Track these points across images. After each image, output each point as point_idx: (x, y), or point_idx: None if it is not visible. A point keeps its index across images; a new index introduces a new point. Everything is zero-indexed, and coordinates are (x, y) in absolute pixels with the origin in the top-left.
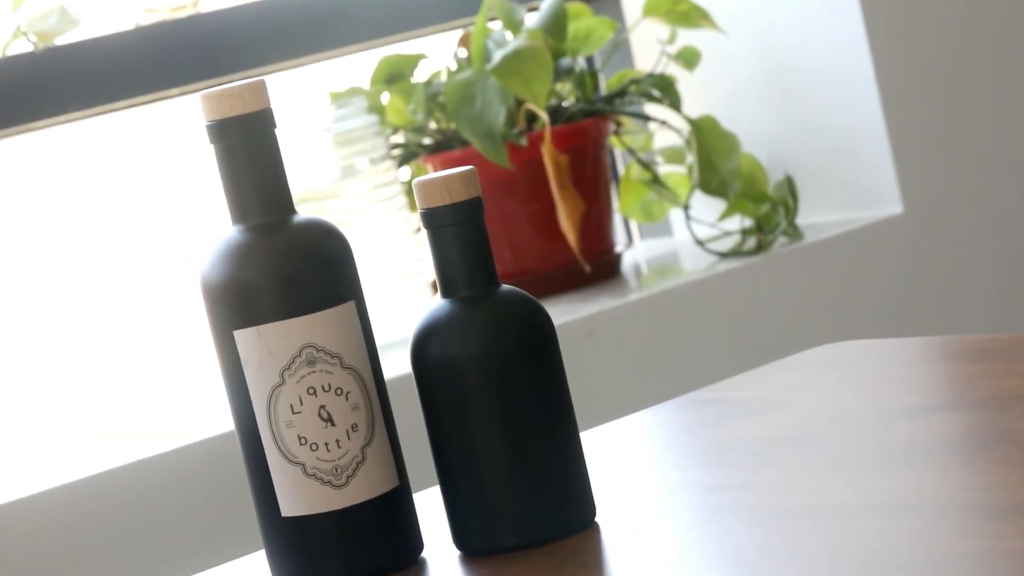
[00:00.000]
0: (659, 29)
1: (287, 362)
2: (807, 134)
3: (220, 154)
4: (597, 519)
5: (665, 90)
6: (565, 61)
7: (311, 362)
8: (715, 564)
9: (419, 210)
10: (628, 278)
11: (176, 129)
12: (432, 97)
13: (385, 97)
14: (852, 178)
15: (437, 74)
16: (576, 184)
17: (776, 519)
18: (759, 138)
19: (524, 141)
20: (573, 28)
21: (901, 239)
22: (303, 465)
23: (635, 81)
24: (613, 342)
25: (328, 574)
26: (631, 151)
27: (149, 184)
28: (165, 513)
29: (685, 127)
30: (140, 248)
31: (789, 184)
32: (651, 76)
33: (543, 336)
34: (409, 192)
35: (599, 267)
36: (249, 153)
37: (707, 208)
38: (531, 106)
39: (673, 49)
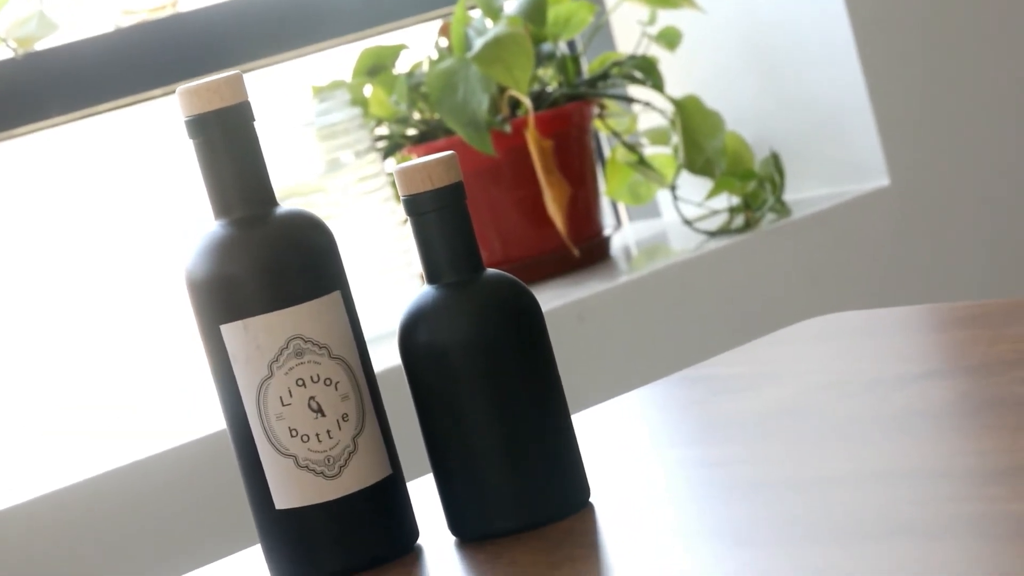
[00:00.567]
0: (639, 10)
1: (275, 354)
2: (791, 110)
3: (200, 149)
4: (592, 500)
5: (647, 71)
6: (546, 46)
7: (299, 353)
8: (712, 538)
9: (401, 197)
10: (618, 261)
11: (162, 129)
12: (415, 87)
13: (368, 89)
14: (838, 152)
15: (419, 64)
16: (562, 169)
17: (773, 491)
18: (743, 116)
19: (508, 128)
20: (553, 13)
21: (889, 211)
22: (295, 457)
23: (617, 63)
24: (605, 325)
25: (324, 565)
26: (616, 134)
27: (141, 185)
28: (159, 515)
29: (669, 107)
30: (137, 248)
31: (775, 160)
32: (633, 58)
33: (530, 319)
34: (395, 183)
35: (588, 251)
36: (229, 147)
37: (694, 188)
38: (514, 92)
39: (654, 30)
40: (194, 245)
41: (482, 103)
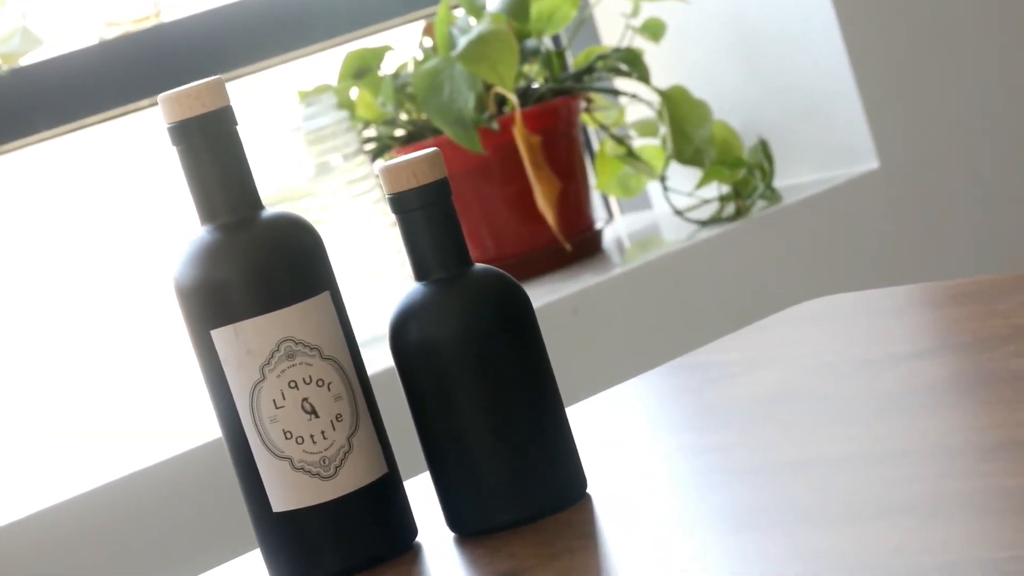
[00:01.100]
0: (622, 3)
1: (266, 357)
2: (778, 96)
3: (183, 155)
4: (589, 490)
5: (633, 63)
6: (530, 42)
7: (290, 355)
8: (711, 524)
9: (386, 195)
10: (610, 253)
11: (150, 139)
12: (400, 88)
13: (354, 92)
14: (826, 137)
15: (404, 65)
16: (551, 164)
17: (771, 474)
18: (730, 104)
19: (495, 125)
20: (536, 8)
21: (879, 194)
22: (290, 459)
23: (602, 57)
24: (599, 318)
25: (323, 566)
26: (604, 127)
27: (135, 195)
28: (156, 526)
29: (656, 99)
30: (134, 255)
31: (764, 148)
32: (618, 51)
33: (520, 312)
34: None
35: (580, 245)
36: (212, 152)
37: (684, 178)
38: (500, 89)
39: (638, 22)
40: (181, 252)
41: (468, 101)
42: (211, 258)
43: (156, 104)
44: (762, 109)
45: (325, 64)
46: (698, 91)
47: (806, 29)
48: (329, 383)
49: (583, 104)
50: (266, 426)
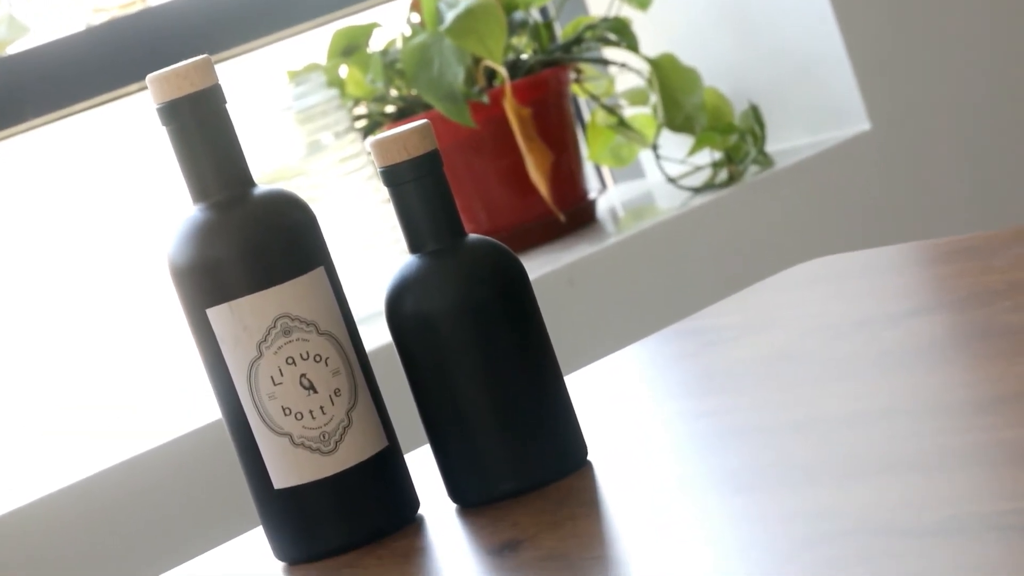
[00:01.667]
0: None
1: (263, 334)
2: (768, 61)
3: (174, 135)
4: (591, 457)
5: (621, 33)
6: (518, 14)
7: (287, 332)
8: (712, 487)
9: (378, 169)
10: (605, 223)
11: (142, 124)
12: (390, 65)
13: (343, 70)
14: (817, 100)
15: (392, 42)
16: (542, 135)
17: (771, 436)
18: (720, 70)
19: (486, 99)
20: None
21: (871, 155)
22: (290, 435)
23: (590, 27)
24: (596, 287)
25: (326, 541)
26: (594, 97)
27: (127, 181)
28: (158, 510)
29: (645, 67)
30: (130, 245)
31: (755, 113)
32: (606, 20)
33: (514, 281)
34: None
35: (574, 215)
36: (202, 131)
37: (676, 145)
38: (489, 63)
39: None
40: (174, 231)
41: (458, 76)
42: (205, 236)
43: (145, 88)
44: (752, 74)
45: (313, 43)
46: (687, 58)
47: None
48: (326, 358)
49: (573, 75)
50: (265, 403)
